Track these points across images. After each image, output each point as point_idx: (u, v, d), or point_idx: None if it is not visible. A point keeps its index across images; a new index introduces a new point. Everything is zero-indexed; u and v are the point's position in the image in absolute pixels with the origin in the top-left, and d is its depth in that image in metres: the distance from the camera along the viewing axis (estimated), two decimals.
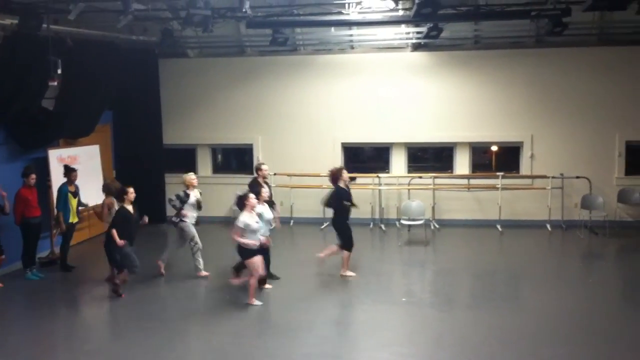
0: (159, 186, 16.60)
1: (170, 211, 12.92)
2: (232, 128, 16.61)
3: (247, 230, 9.34)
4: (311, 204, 14.90)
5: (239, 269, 10.26)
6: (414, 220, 14.31)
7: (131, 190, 10.07)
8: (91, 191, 12.64)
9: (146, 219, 10.66)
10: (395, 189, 15.93)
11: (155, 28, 14.41)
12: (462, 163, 16.05)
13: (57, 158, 13.01)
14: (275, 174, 16.01)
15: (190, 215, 11.35)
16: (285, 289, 10.39)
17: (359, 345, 7.66)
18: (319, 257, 11.11)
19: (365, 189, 15.80)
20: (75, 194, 12.10)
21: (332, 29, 15.04)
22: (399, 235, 14.54)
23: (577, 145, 15.23)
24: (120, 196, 10.05)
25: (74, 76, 12.40)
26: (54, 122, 12.84)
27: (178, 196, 11.37)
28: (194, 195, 11.47)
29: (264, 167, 11.57)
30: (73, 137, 13.94)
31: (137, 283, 10.45)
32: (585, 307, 9.15)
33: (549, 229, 14.79)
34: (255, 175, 11.63)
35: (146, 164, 16.22)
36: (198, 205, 11.49)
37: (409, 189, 15.71)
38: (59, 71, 10.49)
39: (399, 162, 16.28)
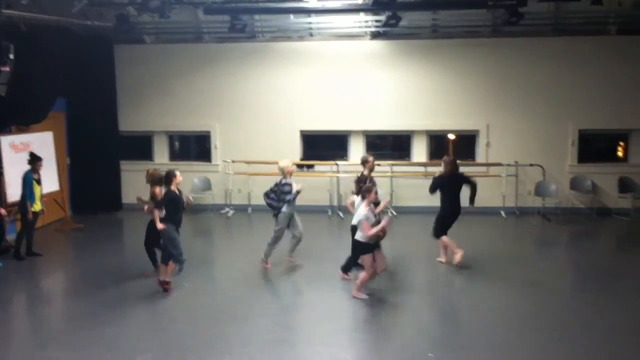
0: (115, 174, 16.40)
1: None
2: (190, 115, 16.46)
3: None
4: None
5: (348, 268, 9.97)
6: None
7: (179, 173, 9.73)
8: (44, 178, 12.39)
9: (191, 198, 10.35)
10: (353, 176, 15.99)
11: (111, 13, 14.15)
12: (419, 151, 16.21)
13: (9, 144, 12.74)
14: (233, 162, 15.96)
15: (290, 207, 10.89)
16: (242, 277, 10.38)
17: (315, 331, 7.70)
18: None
19: (323, 177, 15.86)
20: (39, 181, 11.93)
21: (291, 16, 14.99)
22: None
23: (531, 134, 15.50)
24: (169, 180, 9.59)
25: (27, 62, 12.12)
26: (6, 108, 12.52)
27: (278, 187, 10.91)
28: (295, 184, 10.97)
29: (370, 159, 11.03)
30: (25, 124, 13.63)
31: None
32: (537, 291, 9.35)
33: (504, 215, 15.06)
34: (363, 170, 10.99)
35: (101, 151, 15.99)
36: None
37: None
38: (11, 56, 10.25)
39: (357, 149, 16.36)
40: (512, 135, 15.59)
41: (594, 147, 16.14)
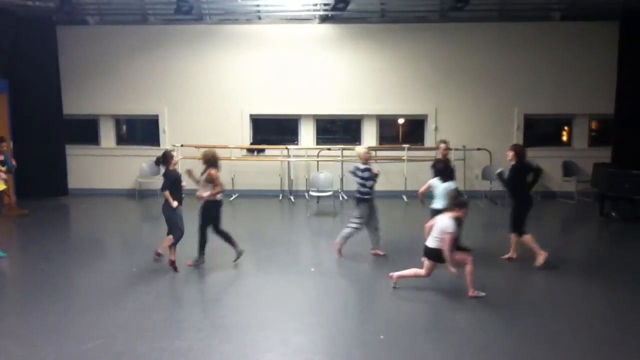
0: (59, 157, 16.02)
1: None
2: (137, 99, 16.18)
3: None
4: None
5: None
6: (322, 191, 14.45)
7: (175, 154, 10.28)
8: None
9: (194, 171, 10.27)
10: (304, 160, 16.00)
11: None
12: (369, 135, 16.30)
13: None
14: (182, 146, 15.76)
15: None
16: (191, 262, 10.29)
17: (267, 315, 7.66)
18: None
19: (274, 161, 15.81)
20: (4, 163, 11.81)
21: None
22: (308, 207, 14.63)
23: (478, 118, 15.74)
24: (167, 160, 9.82)
25: None
26: None
27: (359, 169, 10.33)
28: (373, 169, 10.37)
29: (442, 145, 10.61)
30: None
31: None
32: (485, 273, 9.50)
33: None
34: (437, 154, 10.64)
35: (45, 134, 15.63)
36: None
37: (317, 161, 15.82)
38: None
39: (307, 134, 16.36)
40: (460, 120, 15.81)
41: (539, 131, 16.50)
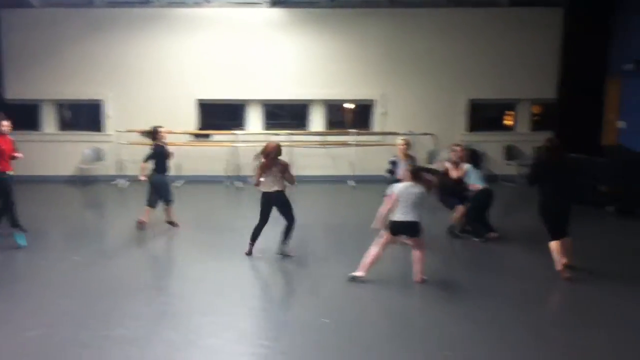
0: None
1: None
2: (81, 83, 15.85)
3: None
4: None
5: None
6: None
7: (163, 129, 11.14)
8: None
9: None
10: (251, 146, 15.89)
11: None
12: (317, 120, 16.33)
13: None
14: (127, 131, 15.52)
15: None
16: (135, 249, 10.18)
17: (213, 301, 7.65)
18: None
19: (221, 147, 15.70)
20: None
21: None
22: (255, 192, 14.56)
23: (425, 104, 15.93)
24: (155, 135, 10.93)
25: None
26: None
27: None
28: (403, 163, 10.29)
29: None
30: None
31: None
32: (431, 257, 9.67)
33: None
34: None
35: None
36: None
37: None
38: None
39: (255, 119, 16.30)
40: (407, 105, 15.97)
41: (484, 116, 16.79)
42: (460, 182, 10.41)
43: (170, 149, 11.24)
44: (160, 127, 11.18)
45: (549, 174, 8.51)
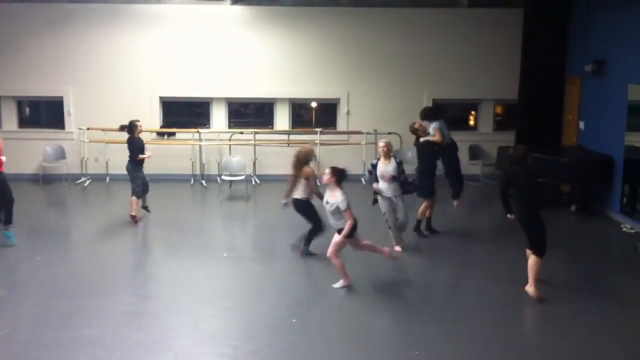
0: None
1: None
2: (41, 79, 15.52)
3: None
4: (126, 160, 14.28)
5: None
6: (235, 175, 14.37)
7: (140, 122, 11.96)
8: None
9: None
10: (216, 144, 15.83)
11: None
12: (282, 119, 16.27)
13: None
14: (88, 129, 15.30)
15: (383, 188, 9.87)
16: (99, 248, 10.06)
17: (180, 301, 7.61)
18: None
19: (185, 145, 15.58)
20: None
21: None
22: (220, 191, 14.50)
23: (389, 103, 15.98)
24: (132, 129, 11.64)
25: None
26: None
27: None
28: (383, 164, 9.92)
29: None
30: None
31: None
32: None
33: (364, 182, 15.46)
34: None
35: None
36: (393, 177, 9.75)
37: (230, 145, 15.68)
38: None
39: (219, 117, 16.18)
40: (372, 104, 16.02)
41: (448, 116, 16.89)
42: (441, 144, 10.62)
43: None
44: (137, 120, 11.93)
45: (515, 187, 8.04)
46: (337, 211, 8.03)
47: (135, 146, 11.66)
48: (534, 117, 14.72)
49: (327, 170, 8.24)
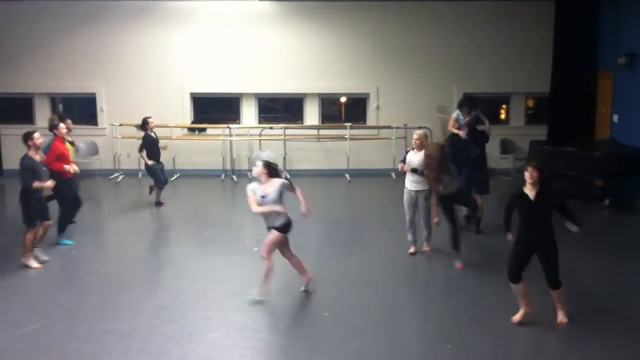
0: None
1: None
2: (74, 76, 15.76)
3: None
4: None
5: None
6: None
7: (152, 119, 12.45)
8: None
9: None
10: (246, 139, 15.92)
11: None
12: (311, 114, 16.30)
13: None
14: (120, 125, 15.48)
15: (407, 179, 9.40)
16: (131, 243, 10.17)
17: (208, 295, 7.66)
18: None
19: (216, 140, 15.69)
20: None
21: None
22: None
23: (419, 97, 15.91)
24: (145, 125, 12.24)
25: None
26: None
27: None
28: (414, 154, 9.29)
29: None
30: None
31: None
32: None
33: (394, 177, 15.44)
34: None
35: None
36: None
37: (260, 140, 15.76)
38: None
39: (249, 112, 16.25)
40: (401, 99, 15.95)
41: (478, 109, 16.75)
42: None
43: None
44: (149, 117, 12.43)
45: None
46: (276, 202, 7.43)
47: (147, 141, 12.27)
48: (566, 111, 14.54)
49: (259, 163, 7.69)
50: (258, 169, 7.62)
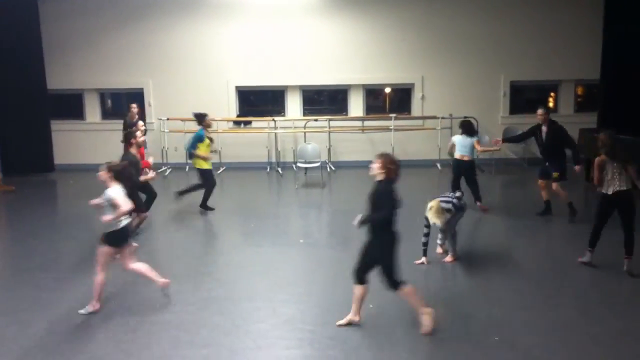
0: (45, 133, 15.92)
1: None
2: (121, 72, 16.07)
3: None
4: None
5: None
6: (310, 162, 14.46)
7: (209, 117, 11.69)
8: None
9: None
10: (291, 132, 15.98)
11: None
12: (356, 105, 16.28)
13: None
14: (168, 119, 15.70)
15: None
16: (181, 235, 10.31)
17: (256, 287, 7.71)
18: None
19: (261, 133, 15.78)
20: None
21: None
22: (296, 178, 14.64)
23: (465, 86, 15.75)
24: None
25: None
26: None
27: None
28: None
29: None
30: None
31: None
32: (473, 235, 9.60)
33: (439, 167, 15.31)
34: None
35: (30, 110, 15.49)
36: None
37: (304, 132, 15.80)
38: None
39: (294, 105, 16.32)
40: (447, 88, 15.82)
41: (525, 98, 16.51)
42: None
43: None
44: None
45: None
46: (110, 208, 6.92)
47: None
48: (617, 98, 14.19)
49: (103, 167, 7.08)
50: (102, 172, 7.03)
